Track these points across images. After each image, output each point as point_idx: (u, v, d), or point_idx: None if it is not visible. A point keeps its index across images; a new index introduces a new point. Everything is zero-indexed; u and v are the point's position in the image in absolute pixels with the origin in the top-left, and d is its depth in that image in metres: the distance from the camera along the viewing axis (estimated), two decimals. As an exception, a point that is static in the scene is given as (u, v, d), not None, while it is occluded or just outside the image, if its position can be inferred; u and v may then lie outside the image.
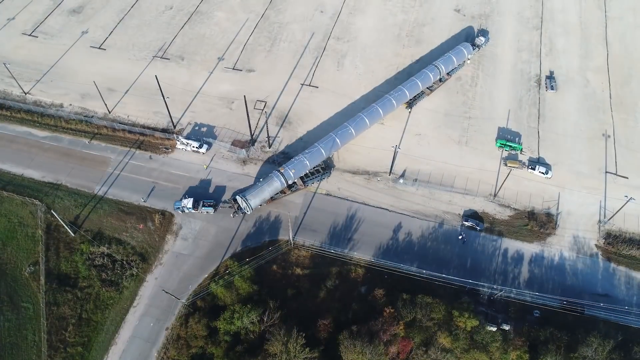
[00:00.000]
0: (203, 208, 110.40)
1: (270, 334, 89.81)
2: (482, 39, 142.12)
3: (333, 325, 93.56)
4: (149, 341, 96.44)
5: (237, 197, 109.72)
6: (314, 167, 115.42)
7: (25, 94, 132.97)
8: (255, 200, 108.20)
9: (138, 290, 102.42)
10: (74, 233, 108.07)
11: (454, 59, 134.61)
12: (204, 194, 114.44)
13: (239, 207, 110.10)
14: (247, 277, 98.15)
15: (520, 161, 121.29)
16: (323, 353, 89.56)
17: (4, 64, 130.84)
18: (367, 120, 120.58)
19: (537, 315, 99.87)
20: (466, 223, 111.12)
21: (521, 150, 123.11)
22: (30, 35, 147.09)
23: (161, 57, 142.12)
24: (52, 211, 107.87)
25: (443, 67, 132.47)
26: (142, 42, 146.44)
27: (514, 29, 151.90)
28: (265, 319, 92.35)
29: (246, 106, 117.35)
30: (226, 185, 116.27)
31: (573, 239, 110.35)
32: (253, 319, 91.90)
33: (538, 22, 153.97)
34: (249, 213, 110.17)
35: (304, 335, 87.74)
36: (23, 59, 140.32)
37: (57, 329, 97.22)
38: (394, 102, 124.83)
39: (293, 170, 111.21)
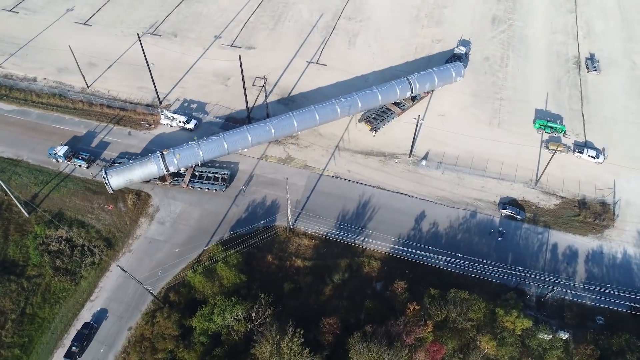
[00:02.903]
0: (76, 160, 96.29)
1: (259, 334, 69.26)
2: (463, 48, 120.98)
3: (341, 327, 72.84)
4: (105, 343, 75.82)
5: (102, 171, 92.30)
6: (215, 173, 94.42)
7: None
8: (117, 178, 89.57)
9: (98, 281, 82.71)
10: (29, 214, 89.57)
11: (436, 79, 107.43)
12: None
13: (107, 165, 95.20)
14: (234, 264, 78.06)
15: (565, 144, 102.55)
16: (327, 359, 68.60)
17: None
18: (295, 122, 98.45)
19: (601, 322, 78.58)
20: (504, 211, 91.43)
21: (564, 132, 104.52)
22: (10, 11, 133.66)
23: (152, 34, 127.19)
24: (3, 186, 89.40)
25: (417, 85, 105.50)
26: (132, 19, 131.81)
27: (545, 11, 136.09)
28: (253, 316, 71.87)
29: (243, 80, 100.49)
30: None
31: (637, 233, 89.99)
32: (238, 315, 71.53)
33: (572, 5, 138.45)
34: (110, 192, 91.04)
35: (302, 332, 67.08)
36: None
37: (-7, 326, 77.19)
38: (337, 109, 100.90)
39: (178, 156, 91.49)
